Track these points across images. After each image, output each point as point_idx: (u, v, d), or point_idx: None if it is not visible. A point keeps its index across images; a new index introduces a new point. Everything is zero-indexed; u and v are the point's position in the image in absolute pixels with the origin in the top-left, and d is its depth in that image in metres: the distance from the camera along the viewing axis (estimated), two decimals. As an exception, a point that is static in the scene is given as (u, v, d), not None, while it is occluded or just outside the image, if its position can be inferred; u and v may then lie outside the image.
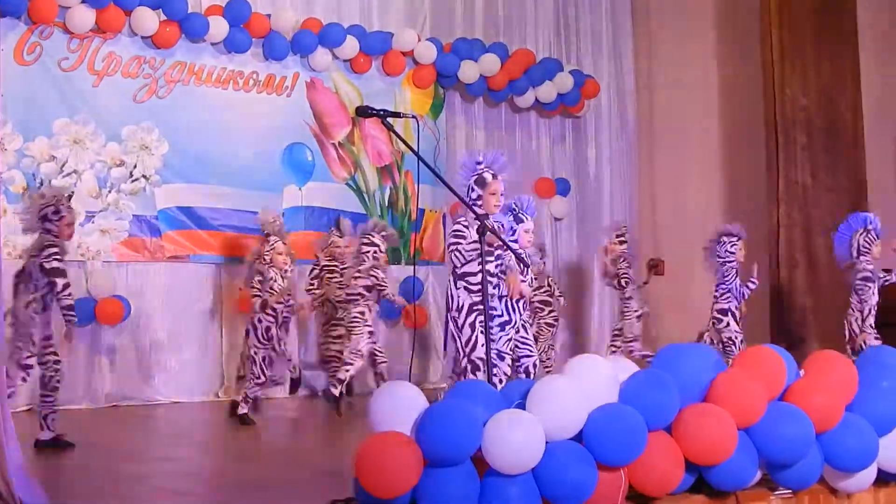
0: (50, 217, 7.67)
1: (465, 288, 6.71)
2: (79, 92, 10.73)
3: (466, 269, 6.69)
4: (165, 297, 11.05)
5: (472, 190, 6.70)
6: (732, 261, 9.96)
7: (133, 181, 10.97)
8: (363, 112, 5.45)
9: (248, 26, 11.48)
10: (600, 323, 14.03)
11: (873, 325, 9.46)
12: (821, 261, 12.37)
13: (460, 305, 6.70)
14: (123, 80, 11.00)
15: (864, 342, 9.38)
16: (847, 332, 9.54)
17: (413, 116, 5.99)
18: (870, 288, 9.44)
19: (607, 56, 14.55)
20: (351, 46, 12.17)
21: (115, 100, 10.94)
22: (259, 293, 8.90)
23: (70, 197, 8.05)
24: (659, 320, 13.06)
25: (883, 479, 5.16)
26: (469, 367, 6.58)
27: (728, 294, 9.94)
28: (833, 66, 12.56)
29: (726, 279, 9.92)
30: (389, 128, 5.44)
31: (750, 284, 10.00)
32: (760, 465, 4.80)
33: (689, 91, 14.19)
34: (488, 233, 5.60)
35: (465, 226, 6.62)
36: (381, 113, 5.39)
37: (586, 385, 4.45)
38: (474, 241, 6.55)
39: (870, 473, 5.03)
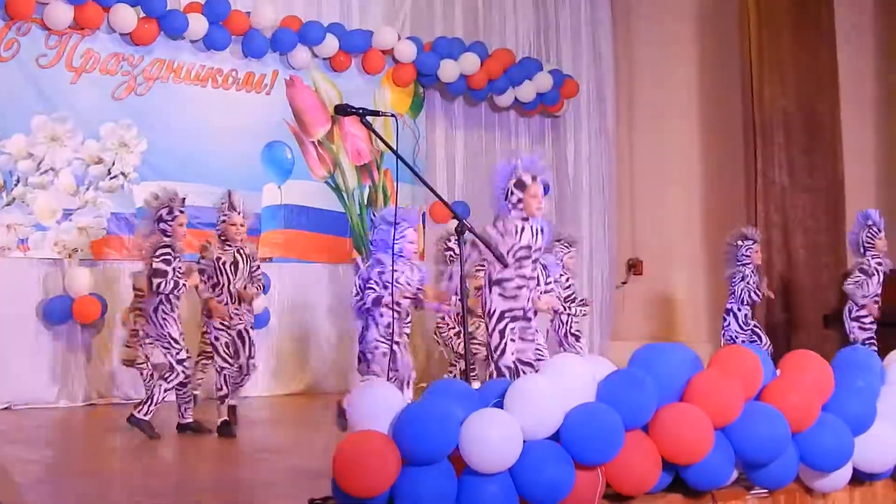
0: (164, 217, 8.10)
1: (500, 294, 6.71)
2: (57, 89, 10.67)
3: (503, 274, 6.68)
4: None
5: (512, 193, 6.66)
6: (749, 263, 10.04)
7: (111, 179, 10.92)
8: (342, 111, 5.43)
9: (227, 24, 11.44)
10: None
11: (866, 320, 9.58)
12: (799, 259, 12.45)
13: (492, 311, 6.71)
14: (102, 77, 10.95)
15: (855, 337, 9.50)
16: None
17: (392, 115, 5.98)
18: (864, 280, 9.53)
19: (587, 56, 14.57)
20: (330, 44, 12.16)
21: (93, 97, 10.89)
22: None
23: (184, 200, 8.37)
24: (637, 319, 13.10)
25: (858, 478, 5.18)
26: (495, 375, 6.57)
27: (731, 296, 10.02)
28: (811, 67, 12.64)
29: (734, 281, 9.97)
30: (368, 126, 5.44)
31: (754, 296, 10.05)
32: (737, 464, 4.81)
33: (668, 91, 14.25)
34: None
35: (506, 230, 6.65)
36: (360, 111, 5.38)
37: (564, 384, 4.45)
38: (520, 246, 6.62)
39: (845, 473, 5.05)
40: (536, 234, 6.79)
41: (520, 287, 6.72)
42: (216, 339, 8.34)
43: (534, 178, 6.77)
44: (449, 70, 12.85)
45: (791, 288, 12.29)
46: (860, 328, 9.65)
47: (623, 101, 14.85)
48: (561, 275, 9.72)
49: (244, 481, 6.18)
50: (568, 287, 9.81)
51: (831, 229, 12.55)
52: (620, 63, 14.87)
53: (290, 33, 11.86)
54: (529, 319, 6.84)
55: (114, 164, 10.92)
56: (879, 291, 9.62)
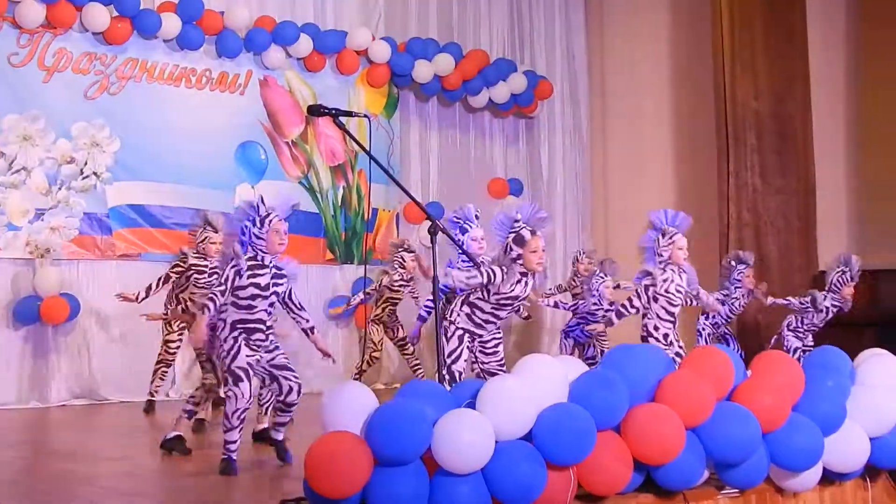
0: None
1: (468, 315, 6.73)
2: (28, 88, 10.61)
3: (479, 302, 6.71)
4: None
5: (511, 249, 6.55)
6: (740, 286, 10.12)
7: (84, 178, 10.86)
8: (315, 111, 5.43)
9: (200, 23, 11.41)
10: (552, 322, 14.07)
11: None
12: (771, 260, 12.51)
13: (454, 319, 6.72)
14: (74, 76, 10.89)
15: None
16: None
17: (365, 115, 5.97)
18: (811, 311, 9.66)
19: (561, 57, 14.62)
20: (305, 45, 12.14)
21: (65, 96, 10.83)
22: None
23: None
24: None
25: (828, 478, 5.22)
26: (447, 378, 6.57)
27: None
28: (783, 70, 12.70)
29: (723, 300, 9.98)
30: (341, 127, 5.42)
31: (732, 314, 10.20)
32: (708, 464, 4.84)
33: (641, 92, 14.29)
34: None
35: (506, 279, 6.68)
36: (333, 112, 5.37)
37: (536, 385, 4.47)
38: (508, 296, 6.63)
39: (815, 473, 5.09)
40: (526, 287, 6.75)
41: (488, 322, 6.77)
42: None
43: (533, 233, 6.60)
44: (423, 71, 12.86)
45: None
46: (795, 336, 9.74)
47: (596, 102, 14.89)
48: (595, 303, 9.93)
49: (217, 481, 6.16)
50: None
51: (802, 231, 12.62)
52: (594, 64, 14.91)
53: (264, 33, 11.84)
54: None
55: (86, 163, 10.86)
56: (818, 326, 9.69)
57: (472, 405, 4.36)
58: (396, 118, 13.18)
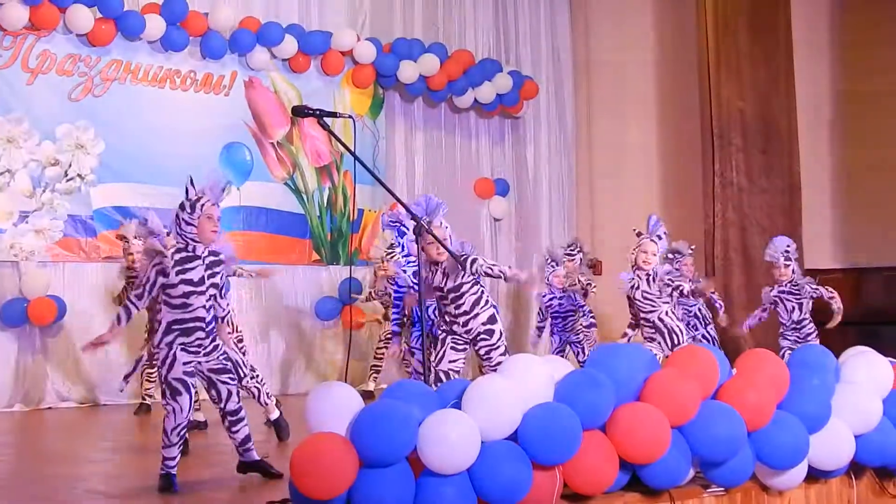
0: None
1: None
2: (12, 90, 10.58)
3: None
4: (101, 298, 10.92)
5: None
6: (679, 277, 10.09)
7: (68, 181, 10.83)
8: (299, 112, 5.42)
9: (185, 25, 11.39)
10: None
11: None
12: (756, 260, 12.54)
13: (439, 321, 6.75)
14: (58, 78, 10.87)
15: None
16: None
17: (350, 116, 6.00)
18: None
19: (546, 57, 14.63)
20: (289, 46, 12.13)
21: (49, 98, 10.80)
22: None
23: None
24: (597, 320, 13.13)
25: (814, 476, 5.23)
26: (433, 379, 6.59)
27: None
28: (768, 70, 12.75)
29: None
30: (326, 128, 5.42)
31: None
32: (694, 463, 4.84)
33: (627, 92, 14.32)
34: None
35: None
36: (318, 113, 5.37)
37: (522, 385, 4.46)
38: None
39: (801, 471, 5.10)
40: (446, 277, 6.81)
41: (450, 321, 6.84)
42: None
43: (430, 223, 6.69)
44: (408, 71, 12.85)
45: (748, 288, 12.38)
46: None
47: (582, 102, 14.91)
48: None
49: (203, 483, 6.14)
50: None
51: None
52: (579, 64, 14.93)
53: (249, 34, 11.82)
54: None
55: (70, 165, 10.83)
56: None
57: (457, 405, 4.36)
58: (382, 119, 13.17)
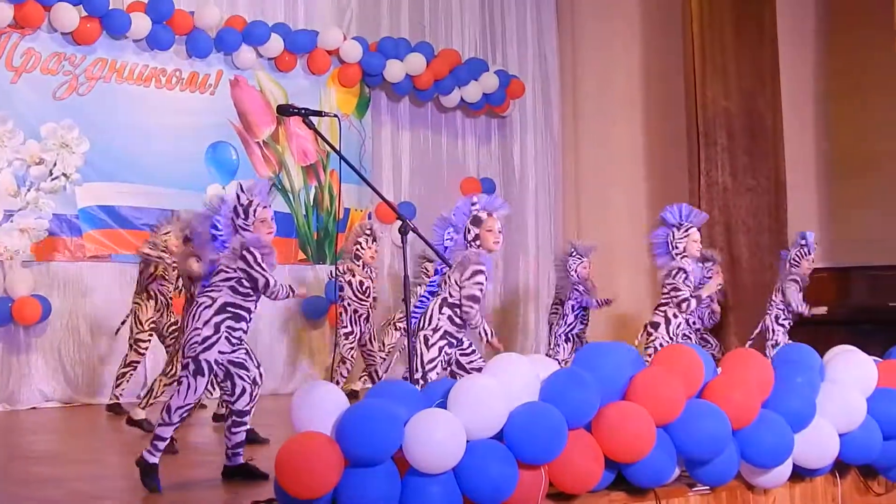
0: None
1: (450, 318, 6.72)
2: (-4, 88, 10.56)
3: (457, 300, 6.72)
4: (86, 297, 10.90)
5: (469, 231, 6.60)
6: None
7: (53, 179, 10.80)
8: (285, 111, 5.42)
9: (171, 23, 11.35)
10: (525, 321, 14.11)
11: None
12: (741, 259, 12.59)
13: (437, 327, 6.71)
14: (43, 76, 10.83)
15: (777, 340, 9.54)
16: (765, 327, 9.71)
17: (335, 115, 5.96)
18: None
19: (532, 56, 14.63)
20: (275, 44, 12.10)
21: (34, 97, 10.77)
22: None
23: None
24: (609, 334, 13.18)
25: (798, 474, 5.25)
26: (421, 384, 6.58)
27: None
28: (753, 69, 12.78)
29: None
30: (311, 127, 5.41)
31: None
32: (679, 461, 4.86)
33: (613, 91, 14.33)
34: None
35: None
36: (303, 112, 5.36)
37: (507, 384, 4.46)
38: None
39: (785, 469, 5.12)
40: (490, 276, 6.77)
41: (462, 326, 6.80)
42: None
43: (489, 215, 6.69)
44: (395, 70, 12.84)
45: (734, 287, 12.40)
46: (784, 330, 9.70)
47: (568, 101, 14.91)
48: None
49: (188, 483, 6.13)
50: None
51: (773, 230, 12.70)
52: (566, 64, 14.93)
53: (235, 33, 11.80)
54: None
55: (55, 164, 10.80)
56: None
57: (443, 405, 4.36)
58: (368, 118, 13.16)
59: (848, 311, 11.48)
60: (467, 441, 4.27)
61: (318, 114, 5.59)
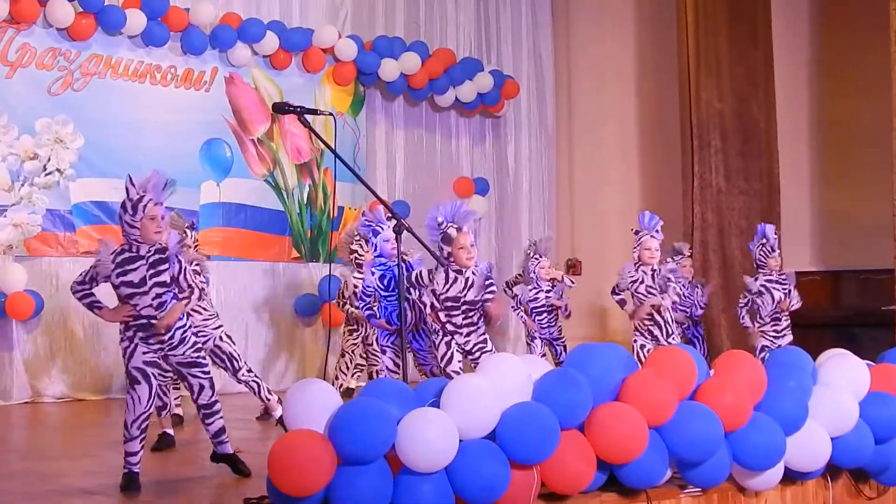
0: None
1: (445, 313, 6.77)
2: (-9, 83, 10.55)
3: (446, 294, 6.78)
4: (79, 293, 10.86)
5: (441, 249, 6.67)
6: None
7: (47, 175, 10.79)
8: (280, 109, 5.41)
9: (166, 20, 11.35)
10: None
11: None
12: (734, 261, 12.61)
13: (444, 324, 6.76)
14: (38, 71, 10.82)
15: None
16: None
17: (330, 114, 5.96)
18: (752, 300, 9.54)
19: (527, 56, 14.65)
20: (271, 42, 12.10)
21: (28, 92, 10.76)
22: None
23: None
24: (576, 319, 13.18)
25: (790, 477, 5.25)
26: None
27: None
28: (747, 71, 12.80)
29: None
30: (306, 124, 5.41)
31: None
32: (671, 463, 4.86)
33: (607, 93, 14.36)
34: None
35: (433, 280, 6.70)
36: (298, 110, 5.36)
37: (500, 383, 4.46)
38: (446, 297, 6.65)
39: (777, 472, 5.12)
40: (465, 286, 6.79)
41: (455, 331, 6.82)
42: None
43: (459, 230, 6.73)
44: (389, 69, 12.85)
45: (727, 289, 12.43)
46: (764, 336, 9.56)
47: (563, 102, 14.94)
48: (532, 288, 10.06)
49: (182, 479, 6.13)
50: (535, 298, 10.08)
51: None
52: (560, 64, 14.95)
53: (230, 30, 11.79)
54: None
55: (49, 160, 10.79)
56: (781, 313, 9.45)
57: (436, 404, 4.36)
58: (362, 117, 13.17)
59: (840, 315, 11.51)
60: (460, 440, 4.27)
61: (314, 112, 5.58)
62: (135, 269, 5.71)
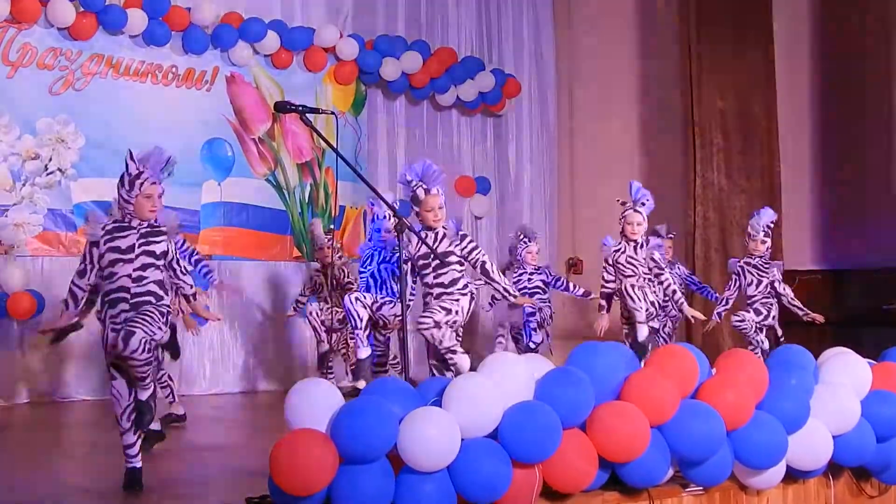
0: None
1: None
2: (-8, 83, 10.55)
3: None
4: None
5: (411, 209, 6.69)
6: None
7: (48, 175, 10.79)
8: (282, 108, 5.41)
9: (167, 19, 11.34)
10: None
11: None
12: (736, 260, 12.57)
13: (437, 317, 6.74)
14: (39, 71, 10.82)
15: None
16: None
17: (332, 113, 5.96)
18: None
19: (528, 55, 14.64)
20: (272, 41, 12.10)
21: (30, 92, 10.75)
22: None
23: None
24: (576, 318, 13.16)
25: (792, 475, 5.26)
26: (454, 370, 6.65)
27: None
28: (749, 69, 12.78)
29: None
30: (308, 124, 5.41)
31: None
32: (672, 462, 4.86)
33: (608, 91, 14.34)
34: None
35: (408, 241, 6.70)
36: (300, 109, 5.36)
37: (502, 382, 4.47)
38: (418, 256, 6.65)
39: (779, 471, 5.12)
40: (438, 237, 6.74)
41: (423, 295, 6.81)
42: None
43: (427, 192, 6.71)
44: (391, 68, 12.84)
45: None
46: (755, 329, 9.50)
47: (564, 101, 14.92)
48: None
49: (182, 479, 6.13)
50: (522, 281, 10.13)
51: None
52: (562, 63, 14.94)
53: (231, 30, 11.79)
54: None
55: (51, 159, 10.79)
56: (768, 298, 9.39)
57: (437, 403, 4.36)
58: (364, 116, 13.16)
59: (842, 313, 11.49)
60: (462, 439, 4.27)
61: (316, 111, 5.58)
62: (124, 237, 5.60)
